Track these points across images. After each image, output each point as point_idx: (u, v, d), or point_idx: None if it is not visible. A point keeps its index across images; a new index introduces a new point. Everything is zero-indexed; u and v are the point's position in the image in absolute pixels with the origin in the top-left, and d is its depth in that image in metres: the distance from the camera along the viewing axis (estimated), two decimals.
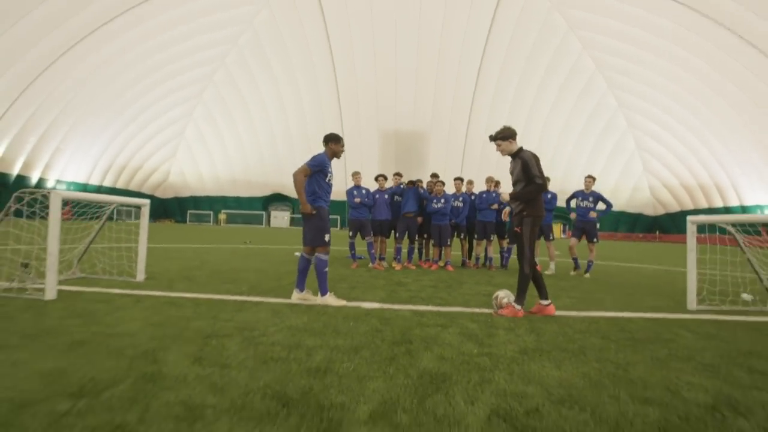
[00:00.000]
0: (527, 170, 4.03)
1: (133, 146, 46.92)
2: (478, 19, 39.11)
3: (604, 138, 48.22)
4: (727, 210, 43.62)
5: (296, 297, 4.35)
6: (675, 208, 51.57)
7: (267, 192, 55.75)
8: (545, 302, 4.10)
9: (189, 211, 55.90)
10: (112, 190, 46.77)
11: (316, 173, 4.34)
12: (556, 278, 7.28)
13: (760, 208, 40.79)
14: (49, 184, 39.51)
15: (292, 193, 54.52)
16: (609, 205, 7.91)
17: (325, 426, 1.67)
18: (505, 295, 4.05)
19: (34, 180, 37.82)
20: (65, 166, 40.64)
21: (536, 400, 1.98)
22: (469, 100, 45.65)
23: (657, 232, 53.32)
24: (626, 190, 52.99)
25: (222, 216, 54.13)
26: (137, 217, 5.55)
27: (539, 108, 45.60)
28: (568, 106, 45.57)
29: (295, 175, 4.19)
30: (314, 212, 4.28)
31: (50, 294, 3.89)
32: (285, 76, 45.69)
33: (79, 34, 31.46)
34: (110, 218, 5.45)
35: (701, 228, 4.79)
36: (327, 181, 4.43)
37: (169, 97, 44.44)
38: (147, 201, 5.28)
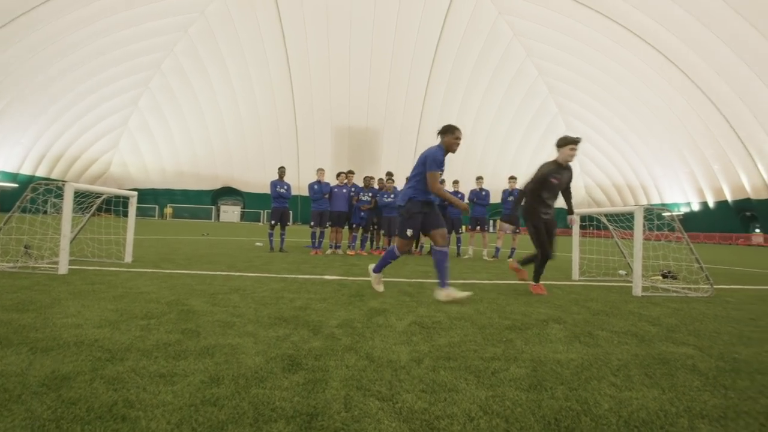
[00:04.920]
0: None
1: (71, 134, 44.74)
2: (430, 23, 40.87)
3: (545, 140, 51.74)
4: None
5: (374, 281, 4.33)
6: (607, 205, 56.28)
7: (217, 185, 54.91)
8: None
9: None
10: (46, 181, 44.29)
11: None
12: (484, 261, 8.75)
13: (677, 205, 45.86)
14: None
15: (242, 186, 54.06)
16: None
17: (311, 328, 2.79)
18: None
19: None
20: None
21: (440, 318, 3.20)
22: (421, 101, 47.48)
23: (590, 228, 58.12)
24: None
25: (168, 210, 52.62)
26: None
27: (486, 110, 48.29)
28: (513, 109, 48.63)
29: (434, 190, 3.91)
30: (465, 209, 4.47)
31: (63, 269, 4.68)
32: (237, 68, 45.31)
33: (13, 11, 29.81)
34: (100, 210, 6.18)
35: (585, 219, 6.33)
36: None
37: (112, 84, 42.80)
38: (135, 193, 6.08)
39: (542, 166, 4.69)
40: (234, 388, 1.77)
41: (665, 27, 31.16)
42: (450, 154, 4.02)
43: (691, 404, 1.77)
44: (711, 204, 41.93)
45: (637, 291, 4.82)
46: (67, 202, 4.66)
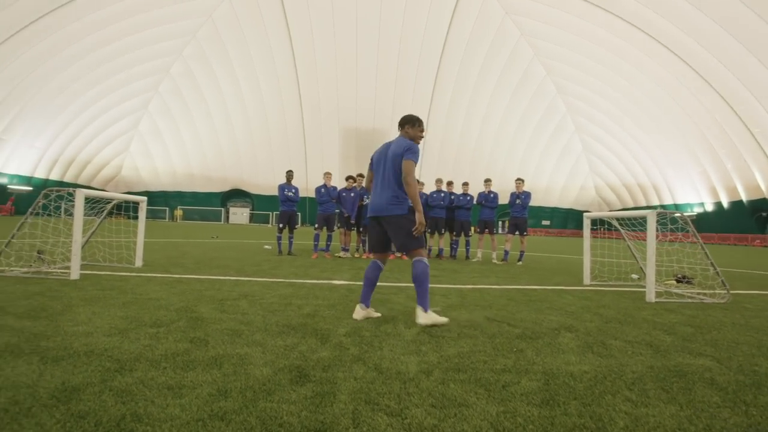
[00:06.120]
0: None
1: (83, 138, 45.27)
2: (436, 23, 40.74)
3: (553, 140, 51.38)
4: (662, 207, 47.79)
5: (360, 314, 3.37)
6: (617, 206, 55.64)
7: (226, 187, 55.27)
8: None
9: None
10: (59, 184, 44.83)
11: None
12: (492, 264, 8.68)
13: (690, 205, 45.18)
14: None
15: (251, 188, 54.35)
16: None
17: (319, 337, 2.77)
18: None
19: None
20: (8, 158, 38.76)
21: (449, 327, 3.16)
22: (428, 101, 47.32)
23: (600, 229, 57.62)
24: (574, 189, 56.75)
25: (178, 212, 53.08)
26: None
27: (494, 110, 47.95)
28: (521, 109, 48.23)
29: (410, 180, 3.27)
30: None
31: (75, 275, 4.72)
32: (245, 70, 45.58)
33: (27, 18, 30.35)
34: (110, 213, 6.23)
35: (596, 222, 6.25)
36: None
37: (122, 89, 43.27)
38: (145, 198, 6.14)
39: None
40: (242, 401, 1.76)
41: (675, 24, 30.75)
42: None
43: (711, 422, 1.72)
44: (725, 204, 41.18)
45: (651, 297, 4.74)
46: (78, 209, 4.70)
